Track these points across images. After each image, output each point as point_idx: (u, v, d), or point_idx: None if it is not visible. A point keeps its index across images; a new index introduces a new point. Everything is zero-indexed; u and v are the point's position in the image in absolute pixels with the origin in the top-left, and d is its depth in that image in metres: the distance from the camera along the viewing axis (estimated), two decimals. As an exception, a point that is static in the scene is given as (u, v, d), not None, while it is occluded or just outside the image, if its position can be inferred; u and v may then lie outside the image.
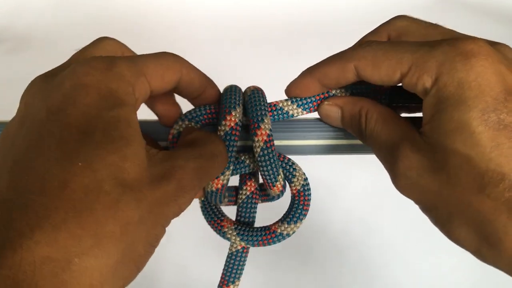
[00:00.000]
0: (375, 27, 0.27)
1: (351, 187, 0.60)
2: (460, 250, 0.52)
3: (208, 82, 0.26)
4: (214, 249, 0.55)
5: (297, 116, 0.27)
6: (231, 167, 0.25)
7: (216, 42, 0.84)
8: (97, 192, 0.17)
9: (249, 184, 0.28)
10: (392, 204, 0.58)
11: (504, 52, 0.22)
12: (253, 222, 0.29)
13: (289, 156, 0.28)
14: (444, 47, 0.20)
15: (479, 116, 0.19)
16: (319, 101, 0.27)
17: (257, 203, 0.28)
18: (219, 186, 0.26)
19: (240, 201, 0.28)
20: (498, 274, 0.55)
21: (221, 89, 0.28)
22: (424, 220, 0.56)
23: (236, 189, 0.29)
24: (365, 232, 0.56)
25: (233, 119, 0.25)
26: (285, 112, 0.27)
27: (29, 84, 0.21)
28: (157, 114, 0.28)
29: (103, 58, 0.20)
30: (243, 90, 0.28)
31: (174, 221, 0.22)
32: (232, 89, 0.27)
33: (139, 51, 0.31)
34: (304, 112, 0.27)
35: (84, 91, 0.18)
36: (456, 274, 0.52)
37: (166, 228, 0.21)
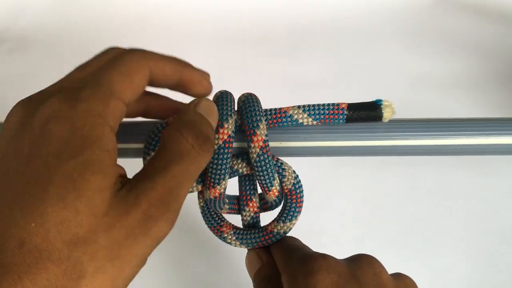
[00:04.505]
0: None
1: (345, 188, 0.60)
2: (455, 251, 0.52)
3: (182, 65, 0.25)
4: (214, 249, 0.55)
5: (306, 125, 0.27)
6: (227, 176, 0.26)
7: (216, 42, 0.84)
8: (49, 251, 0.17)
9: (251, 205, 0.28)
10: (386, 205, 0.58)
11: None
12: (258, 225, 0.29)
13: (287, 157, 0.28)
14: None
15: None
16: (331, 111, 0.26)
17: (259, 216, 0.29)
18: (217, 194, 0.26)
19: (246, 222, 0.29)
20: (495, 275, 0.55)
21: (220, 89, 0.28)
22: (418, 221, 0.56)
23: (238, 199, 0.29)
24: (361, 232, 0.56)
25: (225, 132, 0.25)
26: (294, 119, 0.26)
27: (11, 112, 0.21)
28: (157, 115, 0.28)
29: (65, 96, 0.20)
30: (238, 95, 0.28)
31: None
32: (223, 97, 0.26)
33: (139, 52, 0.30)
34: (315, 122, 0.27)
35: (47, 139, 0.19)
36: (452, 275, 0.52)
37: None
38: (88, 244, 0.18)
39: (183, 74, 0.25)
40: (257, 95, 0.27)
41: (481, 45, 0.81)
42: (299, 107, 0.27)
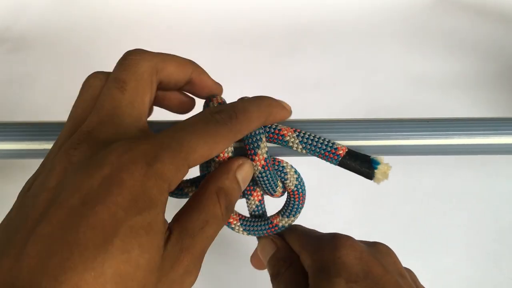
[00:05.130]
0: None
1: (345, 188, 0.60)
2: (455, 251, 0.51)
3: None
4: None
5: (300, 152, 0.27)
6: None
7: (216, 42, 0.84)
8: None
9: (255, 194, 0.29)
10: (386, 204, 0.58)
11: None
12: (264, 214, 0.30)
13: (287, 158, 0.28)
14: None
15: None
16: (327, 153, 0.26)
17: (264, 204, 0.30)
18: None
19: (251, 210, 0.29)
20: (495, 275, 0.55)
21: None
22: (418, 220, 0.56)
23: None
24: (361, 232, 0.56)
25: (225, 155, 0.26)
26: (289, 146, 0.27)
27: (75, 143, 0.21)
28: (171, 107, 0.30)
29: (146, 150, 0.20)
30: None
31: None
32: None
33: (139, 52, 0.30)
34: (308, 154, 0.27)
35: (118, 188, 0.18)
36: (452, 275, 0.52)
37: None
38: None
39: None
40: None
41: (481, 45, 0.81)
42: (298, 135, 0.26)
